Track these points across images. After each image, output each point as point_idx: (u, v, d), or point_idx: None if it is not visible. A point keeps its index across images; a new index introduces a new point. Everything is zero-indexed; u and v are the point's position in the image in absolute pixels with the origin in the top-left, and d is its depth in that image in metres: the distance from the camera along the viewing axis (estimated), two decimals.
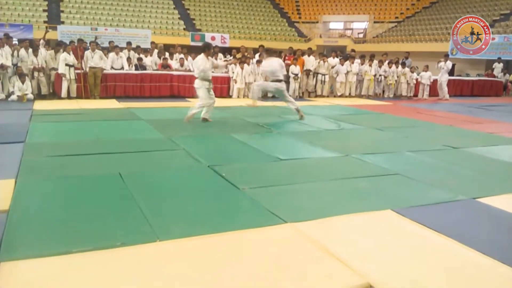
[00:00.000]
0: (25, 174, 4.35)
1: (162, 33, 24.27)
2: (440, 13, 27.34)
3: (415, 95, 15.08)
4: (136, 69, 12.15)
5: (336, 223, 3.38)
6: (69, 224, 3.18)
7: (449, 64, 14.90)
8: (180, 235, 3.02)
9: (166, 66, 12.52)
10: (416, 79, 14.97)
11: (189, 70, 12.78)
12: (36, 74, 10.74)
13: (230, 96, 12.54)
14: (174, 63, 12.91)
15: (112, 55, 11.90)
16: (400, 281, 2.53)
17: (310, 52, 14.10)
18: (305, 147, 6.18)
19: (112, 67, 11.74)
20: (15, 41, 12.41)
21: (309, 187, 4.28)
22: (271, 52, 8.69)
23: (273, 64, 8.34)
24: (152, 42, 14.99)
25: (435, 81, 15.01)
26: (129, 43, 13.25)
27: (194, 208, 3.61)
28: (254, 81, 11.69)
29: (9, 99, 10.28)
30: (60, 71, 10.61)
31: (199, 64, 7.60)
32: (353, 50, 15.62)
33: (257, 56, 12.89)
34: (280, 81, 8.32)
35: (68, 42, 12.26)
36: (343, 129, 7.88)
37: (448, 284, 2.53)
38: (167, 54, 13.12)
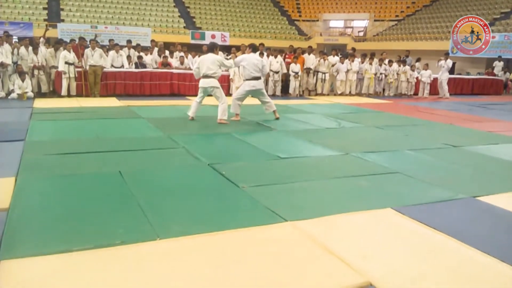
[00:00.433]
0: (25, 172, 4.35)
1: (162, 31, 24.27)
2: (440, 12, 27.33)
3: (416, 93, 15.09)
4: (136, 67, 12.15)
5: (336, 221, 3.38)
6: (69, 222, 3.18)
7: (449, 62, 14.91)
8: (180, 233, 3.02)
9: (166, 64, 12.52)
10: (417, 78, 14.97)
11: (189, 68, 12.78)
12: (36, 72, 10.74)
13: (230, 95, 12.52)
14: (174, 61, 12.91)
15: (112, 53, 11.89)
16: (400, 280, 2.53)
17: (310, 50, 14.09)
18: (305, 146, 6.18)
19: (112, 65, 11.73)
20: (15, 39, 12.41)
21: (309, 186, 4.27)
22: (255, 49, 8.23)
23: (253, 60, 7.85)
24: (152, 40, 14.98)
25: (435, 79, 15.01)
26: (129, 41, 13.25)
27: (194, 206, 3.61)
28: None
29: (9, 97, 10.29)
30: (60, 69, 10.61)
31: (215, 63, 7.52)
32: (353, 49, 15.62)
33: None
34: (258, 78, 7.93)
35: (68, 40, 12.28)
36: (343, 127, 7.87)
37: (448, 282, 2.53)
38: (167, 52, 13.11)
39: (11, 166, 4.50)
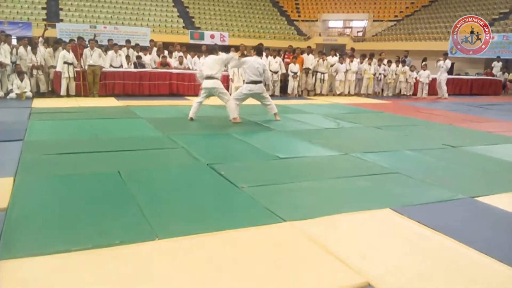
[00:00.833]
0: (24, 172, 4.34)
1: (161, 31, 24.26)
2: (439, 12, 27.36)
3: (414, 93, 15.10)
4: (135, 67, 12.14)
5: (335, 221, 3.37)
6: (68, 222, 3.18)
7: (448, 63, 14.92)
8: (179, 233, 3.02)
9: (165, 64, 12.51)
10: (415, 78, 14.99)
11: (188, 68, 12.79)
12: (35, 72, 10.73)
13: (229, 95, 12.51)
14: (173, 61, 12.91)
15: (111, 53, 11.88)
16: (398, 280, 2.53)
17: (309, 50, 14.09)
18: (304, 146, 6.18)
19: (111, 65, 11.72)
20: (14, 39, 12.40)
21: (308, 186, 4.27)
22: (260, 52, 8.34)
23: (255, 64, 7.87)
24: (151, 40, 14.97)
25: (434, 79, 15.02)
26: (128, 41, 13.23)
27: (193, 206, 3.60)
28: None
29: (7, 97, 10.27)
30: (58, 69, 10.60)
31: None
32: (352, 49, 15.63)
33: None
34: (257, 82, 7.95)
35: (67, 40, 12.26)
36: (343, 127, 7.88)
37: (447, 283, 2.53)
38: (166, 52, 13.10)
39: (10, 166, 4.49)
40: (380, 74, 14.52)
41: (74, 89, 10.96)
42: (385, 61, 14.66)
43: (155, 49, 13.24)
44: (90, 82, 11.10)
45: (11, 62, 10.52)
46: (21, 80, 10.32)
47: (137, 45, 13.41)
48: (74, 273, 2.46)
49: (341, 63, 13.76)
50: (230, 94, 12.25)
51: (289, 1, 32.49)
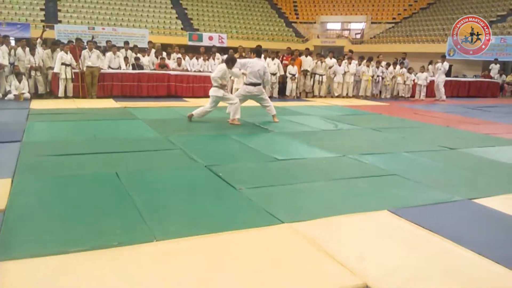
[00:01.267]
0: (22, 174, 4.34)
1: (159, 32, 24.24)
2: (437, 14, 27.42)
3: (412, 95, 15.13)
4: (134, 68, 12.13)
5: (333, 223, 3.38)
6: (66, 223, 3.18)
7: (446, 65, 14.97)
8: (177, 235, 3.02)
9: (163, 66, 12.52)
10: (413, 80, 15.02)
11: (187, 70, 12.80)
12: (33, 73, 10.72)
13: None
14: (171, 63, 12.92)
15: (109, 54, 11.87)
16: (396, 281, 2.54)
17: (307, 52, 14.10)
18: (303, 147, 6.19)
19: (109, 67, 11.72)
20: (12, 40, 12.39)
21: (306, 187, 4.28)
22: (259, 53, 8.36)
23: (256, 67, 7.93)
24: (150, 42, 14.98)
25: (432, 82, 15.06)
26: (126, 43, 13.23)
27: (191, 208, 3.61)
28: None
29: (5, 98, 10.26)
30: (55, 70, 10.59)
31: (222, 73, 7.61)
32: (350, 51, 15.66)
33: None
34: (256, 84, 8.01)
35: (66, 41, 12.25)
36: (341, 129, 7.89)
37: (444, 284, 2.54)
38: (164, 53, 13.11)
39: (8, 167, 4.49)
40: (378, 76, 14.54)
41: (72, 91, 10.95)
42: (383, 63, 14.69)
43: (153, 50, 13.25)
44: (88, 84, 11.09)
45: (9, 63, 10.51)
46: (19, 81, 10.31)
47: (135, 46, 13.41)
48: (72, 274, 2.46)
49: (339, 65, 13.79)
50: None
51: (287, 3, 32.53)
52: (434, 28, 25.71)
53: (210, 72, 11.29)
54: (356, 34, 31.38)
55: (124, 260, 2.66)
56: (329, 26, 32.66)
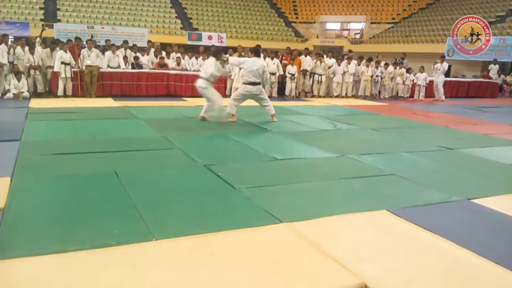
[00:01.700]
0: (21, 173, 4.34)
1: (159, 32, 24.24)
2: (436, 15, 27.44)
3: (411, 96, 15.14)
4: (133, 68, 12.13)
5: (331, 223, 3.39)
6: (65, 222, 3.18)
7: (445, 65, 14.98)
8: (176, 234, 3.02)
9: (162, 65, 12.51)
10: (412, 80, 15.03)
11: (186, 69, 12.79)
12: (32, 72, 10.71)
13: (227, 96, 12.52)
14: (170, 62, 12.91)
15: (108, 53, 11.86)
16: (395, 281, 2.54)
17: (307, 52, 14.10)
18: (302, 147, 6.19)
19: (108, 66, 11.71)
20: (11, 39, 12.37)
21: (305, 187, 4.29)
22: (258, 53, 8.27)
23: (254, 66, 7.85)
24: (149, 41, 14.98)
25: (431, 82, 15.08)
26: (125, 42, 13.22)
27: (190, 207, 3.61)
28: None
29: (5, 97, 10.25)
30: (55, 69, 10.58)
31: (212, 68, 7.67)
32: (350, 51, 15.67)
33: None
34: (255, 84, 7.96)
35: (65, 40, 12.24)
36: (340, 129, 7.90)
37: (443, 284, 2.54)
38: (163, 53, 13.11)
39: (7, 166, 4.48)
40: (377, 76, 14.55)
41: (71, 90, 10.94)
42: (382, 63, 14.69)
43: (152, 50, 13.25)
44: (88, 83, 11.08)
45: (8, 62, 10.50)
46: (18, 80, 10.30)
47: (134, 45, 13.40)
48: (71, 274, 2.46)
49: (339, 65, 13.80)
50: (228, 96, 12.40)
51: (286, 3, 32.54)
52: (433, 29, 25.73)
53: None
54: (355, 34, 31.41)
55: (123, 259, 2.66)
56: (329, 26, 32.68)
